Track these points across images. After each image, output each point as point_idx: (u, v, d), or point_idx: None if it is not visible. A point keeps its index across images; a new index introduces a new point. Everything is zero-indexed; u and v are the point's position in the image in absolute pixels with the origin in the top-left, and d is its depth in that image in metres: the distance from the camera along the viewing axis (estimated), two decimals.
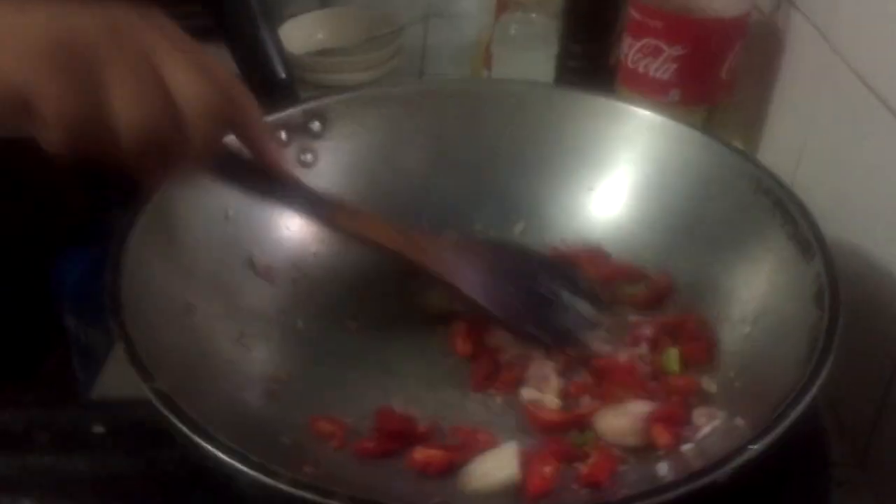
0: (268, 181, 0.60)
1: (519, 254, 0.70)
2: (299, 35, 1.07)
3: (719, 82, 0.82)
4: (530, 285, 0.66)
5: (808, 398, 0.50)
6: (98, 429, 0.59)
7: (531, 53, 0.91)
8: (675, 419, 0.58)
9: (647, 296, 0.69)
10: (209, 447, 0.48)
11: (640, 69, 0.81)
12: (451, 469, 0.57)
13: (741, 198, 0.66)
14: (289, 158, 0.72)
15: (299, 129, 0.74)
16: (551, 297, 0.66)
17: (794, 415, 0.49)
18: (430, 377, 0.65)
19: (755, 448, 0.48)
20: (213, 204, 0.67)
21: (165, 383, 0.52)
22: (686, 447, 0.56)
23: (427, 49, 1.11)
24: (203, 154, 0.51)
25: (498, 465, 0.57)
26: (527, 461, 0.56)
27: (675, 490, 0.46)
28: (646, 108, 0.72)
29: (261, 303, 0.68)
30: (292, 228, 0.71)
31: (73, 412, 0.61)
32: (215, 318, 0.64)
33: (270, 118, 0.73)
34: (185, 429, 0.49)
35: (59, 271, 0.91)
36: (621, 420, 0.59)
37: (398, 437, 0.59)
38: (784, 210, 0.63)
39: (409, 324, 0.69)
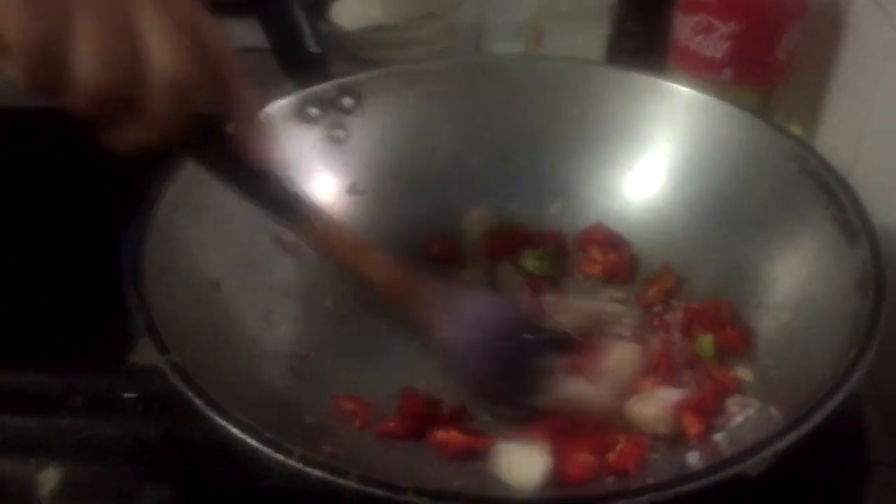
0: (247, 174, 0.54)
1: (498, 306, 0.64)
2: (354, 11, 1.05)
3: (775, 62, 0.78)
4: (509, 345, 0.60)
5: (846, 389, 0.48)
6: (129, 395, 0.59)
7: (582, 31, 0.88)
8: (707, 408, 0.56)
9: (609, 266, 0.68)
10: (222, 421, 0.47)
11: (692, 47, 0.78)
12: (473, 453, 0.56)
13: (784, 179, 0.64)
14: (316, 136, 0.71)
15: (331, 105, 0.73)
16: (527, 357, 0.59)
17: (830, 405, 0.47)
18: None
19: (788, 438, 0.46)
20: None
21: (184, 356, 0.51)
22: (718, 436, 0.54)
23: (484, 27, 1.09)
24: (162, 125, 0.47)
25: (528, 452, 0.55)
26: (558, 448, 0.55)
27: (703, 479, 0.44)
28: (686, 85, 0.70)
29: (288, 280, 0.67)
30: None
31: (108, 378, 0.62)
32: (241, 294, 0.63)
33: (302, 92, 0.72)
34: (198, 402, 0.48)
35: (124, 241, 0.91)
36: (651, 408, 0.57)
37: (422, 418, 0.58)
38: (830, 192, 0.60)
39: None
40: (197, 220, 0.64)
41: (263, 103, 0.64)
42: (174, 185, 0.63)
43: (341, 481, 0.44)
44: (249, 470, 0.53)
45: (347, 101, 0.74)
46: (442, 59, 0.85)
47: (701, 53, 0.77)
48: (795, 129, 0.69)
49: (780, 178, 0.64)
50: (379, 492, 0.43)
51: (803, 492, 0.52)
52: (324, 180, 0.73)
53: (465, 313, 0.59)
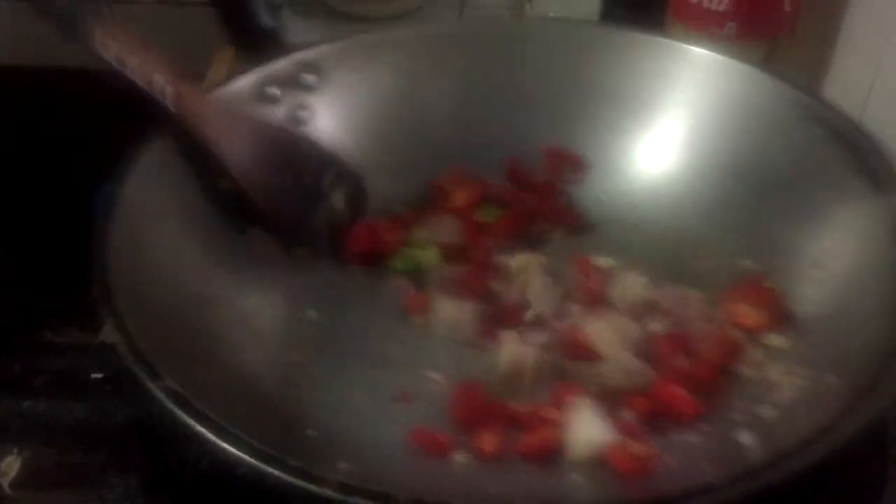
0: None
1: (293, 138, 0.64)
2: None
3: (781, 14, 0.73)
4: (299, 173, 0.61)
5: None
6: (97, 375, 0.55)
7: None
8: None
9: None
10: (238, 452, 0.41)
11: (694, 0, 0.73)
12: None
13: (797, 133, 0.60)
14: (278, 118, 0.65)
15: (291, 83, 0.67)
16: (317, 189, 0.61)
17: None
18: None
19: (866, 411, 0.42)
20: (205, 177, 0.60)
21: (176, 379, 0.44)
22: (767, 410, 0.50)
23: None
24: None
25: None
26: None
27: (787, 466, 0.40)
28: (686, 41, 0.66)
29: (263, 280, 0.61)
30: None
31: (73, 356, 0.57)
32: (218, 302, 0.57)
33: (259, 71, 0.66)
34: (208, 433, 0.42)
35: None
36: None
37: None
38: (847, 142, 0.57)
39: None
40: (160, 222, 0.57)
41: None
42: (132, 181, 0.56)
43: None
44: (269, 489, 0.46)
45: (309, 78, 0.68)
46: (414, 25, 0.79)
47: (703, 6, 0.72)
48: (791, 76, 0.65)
49: (792, 133, 0.60)
50: None
51: (815, 492, 0.48)
52: None
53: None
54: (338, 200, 0.62)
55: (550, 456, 0.50)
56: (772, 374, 0.53)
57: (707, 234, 0.62)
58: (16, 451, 0.52)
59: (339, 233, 0.62)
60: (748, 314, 0.56)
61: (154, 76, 0.56)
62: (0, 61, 0.52)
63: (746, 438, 0.49)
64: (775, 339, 0.55)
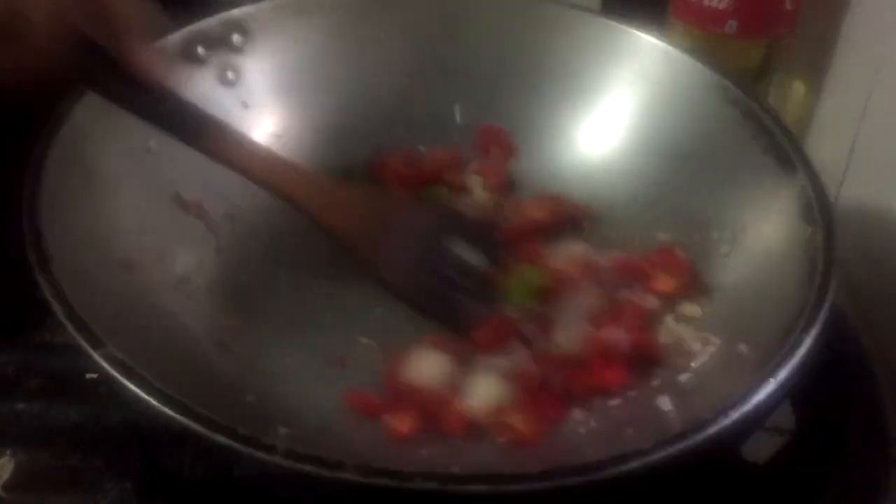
0: (144, 95, 0.52)
1: (422, 211, 0.63)
2: None
3: (782, 12, 0.73)
4: (431, 252, 0.60)
5: (820, 320, 0.48)
6: (91, 375, 0.54)
7: None
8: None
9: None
10: (186, 419, 0.42)
11: None
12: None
13: (709, 111, 0.63)
14: (206, 79, 0.64)
15: (218, 43, 0.66)
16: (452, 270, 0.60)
17: (808, 338, 0.47)
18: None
19: (778, 378, 0.45)
20: (131, 137, 0.58)
21: (115, 345, 0.44)
22: (684, 377, 0.54)
23: None
24: (43, 46, 0.45)
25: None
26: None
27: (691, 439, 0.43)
28: (627, 24, 0.67)
29: (196, 244, 0.61)
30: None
31: (67, 356, 0.55)
32: (151, 266, 0.56)
33: (183, 30, 0.64)
34: (153, 400, 0.42)
35: None
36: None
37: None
38: (756, 121, 0.61)
39: None
40: (88, 187, 0.56)
41: (153, 22, 0.57)
42: (57, 145, 0.55)
43: (339, 475, 0.40)
44: (219, 458, 0.48)
45: (236, 39, 0.67)
46: None
47: (704, 4, 0.72)
48: (800, 86, 0.67)
49: (704, 111, 0.63)
50: (385, 482, 0.40)
51: (816, 485, 0.51)
52: None
53: (391, 225, 0.59)
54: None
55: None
56: (686, 341, 0.56)
57: (630, 208, 0.65)
58: (9, 452, 0.52)
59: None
60: (664, 281, 0.60)
61: (270, 177, 0.56)
62: None
63: (665, 403, 0.52)
64: (689, 308, 0.59)
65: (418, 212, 0.63)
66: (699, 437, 0.43)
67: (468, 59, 0.69)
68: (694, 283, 0.59)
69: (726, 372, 0.51)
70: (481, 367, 0.55)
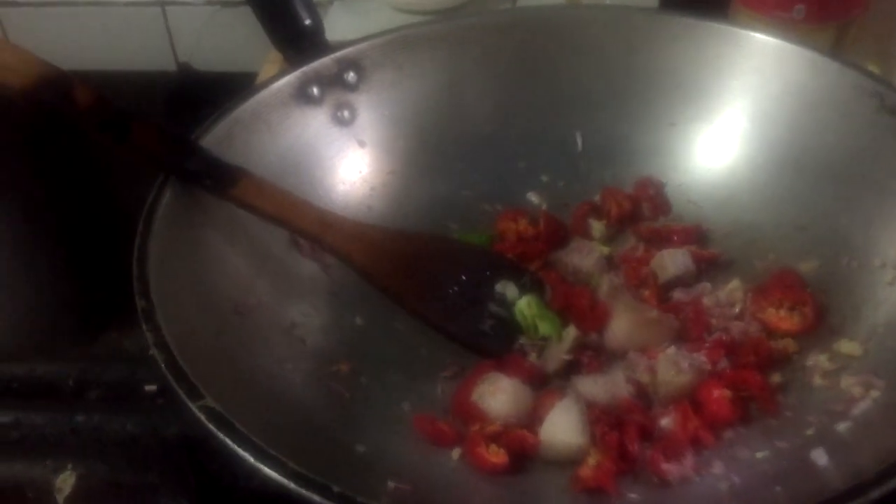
0: (162, 146, 0.54)
1: (453, 249, 0.61)
2: None
3: None
4: (465, 286, 0.58)
5: None
6: (150, 387, 0.55)
7: None
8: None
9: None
10: (280, 477, 0.39)
11: None
12: None
13: (862, 121, 0.57)
14: (320, 120, 0.64)
15: (333, 82, 0.65)
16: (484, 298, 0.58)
17: None
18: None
19: None
20: None
21: (217, 397, 0.43)
22: (843, 426, 0.47)
23: None
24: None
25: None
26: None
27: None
28: (750, 28, 0.62)
29: (309, 287, 0.59)
30: (335, 196, 0.62)
31: (126, 368, 0.57)
32: (261, 312, 0.55)
33: (299, 71, 0.63)
34: (247, 454, 0.40)
35: None
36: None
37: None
38: None
39: None
40: (201, 231, 0.55)
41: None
42: (170, 188, 0.54)
43: None
44: None
45: (350, 76, 0.65)
46: (455, 19, 0.76)
47: None
48: (873, 69, 0.61)
49: (856, 121, 0.57)
50: None
51: None
52: (331, 169, 0.64)
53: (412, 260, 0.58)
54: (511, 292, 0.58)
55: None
56: (844, 384, 0.49)
57: (766, 230, 0.59)
58: (70, 466, 0.52)
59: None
60: (783, 318, 0.54)
61: (302, 224, 0.56)
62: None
63: (820, 457, 0.45)
64: (846, 346, 0.52)
65: (454, 253, 0.61)
66: (863, 499, 0.37)
67: (584, 84, 0.65)
68: (817, 321, 0.53)
69: (893, 421, 0.44)
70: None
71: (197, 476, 0.51)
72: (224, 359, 0.49)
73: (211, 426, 0.41)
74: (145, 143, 0.53)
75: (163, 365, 0.44)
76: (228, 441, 0.41)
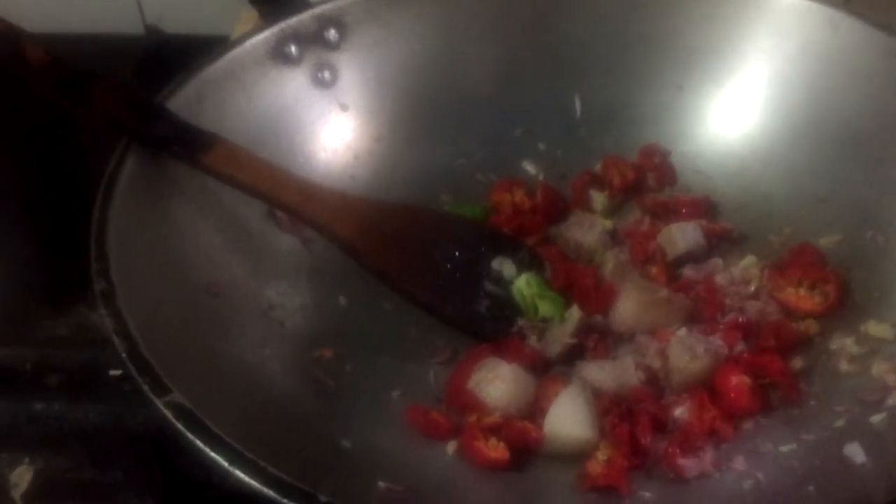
0: (125, 109, 0.49)
1: (445, 222, 0.57)
2: None
3: None
4: (458, 263, 0.55)
5: None
6: (115, 371, 0.50)
7: None
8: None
9: None
10: (260, 485, 0.35)
11: None
12: None
13: (886, 82, 0.53)
14: (299, 81, 0.59)
15: (313, 40, 0.60)
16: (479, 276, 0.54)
17: None
18: None
19: None
20: None
21: (185, 390, 0.38)
22: (877, 418, 0.43)
23: None
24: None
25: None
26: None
27: None
28: None
29: (287, 264, 0.54)
30: (317, 165, 0.58)
31: (89, 351, 0.52)
32: (236, 292, 0.50)
33: (277, 28, 0.58)
34: (218, 456, 0.36)
35: None
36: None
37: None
38: None
39: None
40: (169, 203, 0.50)
41: None
42: (131, 159, 0.49)
43: None
44: None
45: (331, 34, 0.60)
46: None
47: None
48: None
49: (880, 84, 0.53)
50: None
51: None
52: (311, 135, 0.59)
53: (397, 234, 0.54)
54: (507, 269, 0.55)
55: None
56: (876, 371, 0.45)
57: (782, 202, 0.56)
58: (27, 460, 0.49)
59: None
60: (803, 297, 0.51)
61: (281, 195, 0.51)
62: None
63: (857, 453, 0.41)
64: (875, 328, 0.48)
65: (446, 227, 0.57)
66: None
67: (584, 44, 0.60)
68: (839, 301, 0.50)
69: None
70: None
71: (165, 472, 0.48)
72: (194, 346, 0.45)
73: (179, 425, 0.37)
74: (106, 105, 0.49)
75: (124, 355, 0.39)
76: (199, 443, 0.36)
